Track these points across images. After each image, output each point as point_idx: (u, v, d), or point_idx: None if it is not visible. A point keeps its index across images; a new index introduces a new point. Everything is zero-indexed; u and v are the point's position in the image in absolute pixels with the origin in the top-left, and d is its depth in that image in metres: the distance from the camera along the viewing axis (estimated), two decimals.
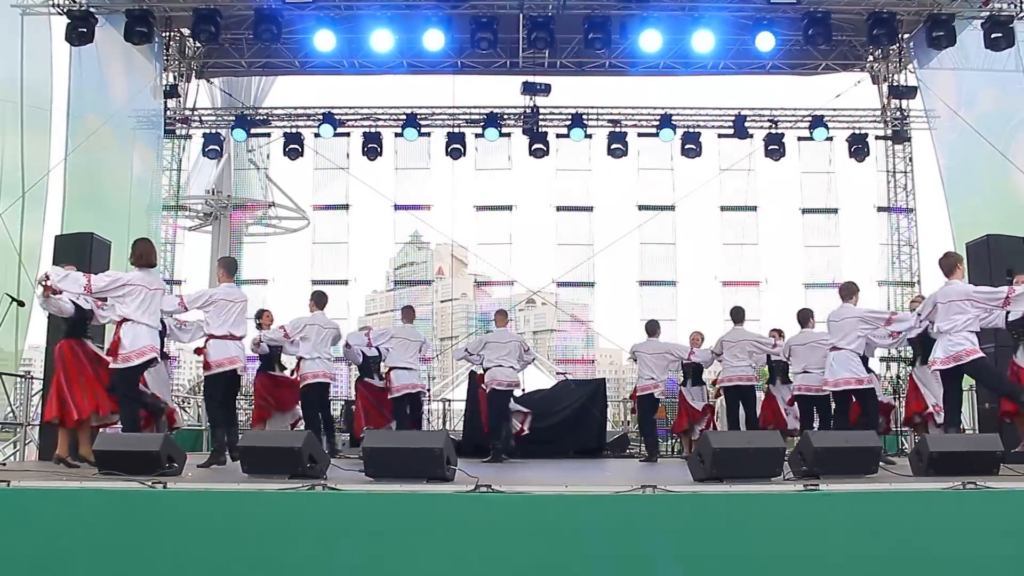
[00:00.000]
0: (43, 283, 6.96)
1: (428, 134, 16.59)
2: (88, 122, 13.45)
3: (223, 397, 7.76)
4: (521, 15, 13.67)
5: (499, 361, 9.75)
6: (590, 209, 17.11)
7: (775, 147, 16.28)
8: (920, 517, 4.79)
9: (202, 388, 8.39)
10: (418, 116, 16.30)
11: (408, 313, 10.30)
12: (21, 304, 8.72)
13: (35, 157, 12.54)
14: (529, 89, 15.70)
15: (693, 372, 11.00)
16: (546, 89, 15.74)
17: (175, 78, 16.02)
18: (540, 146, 16.31)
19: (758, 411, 10.41)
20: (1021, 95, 13.59)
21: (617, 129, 16.45)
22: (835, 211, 16.64)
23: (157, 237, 15.45)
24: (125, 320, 6.82)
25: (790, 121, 16.51)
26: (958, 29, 13.14)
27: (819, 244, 16.54)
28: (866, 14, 13.32)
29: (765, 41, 13.34)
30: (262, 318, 9.95)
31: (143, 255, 7.06)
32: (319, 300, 9.27)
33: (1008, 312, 7.36)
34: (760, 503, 4.87)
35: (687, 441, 11.49)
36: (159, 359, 7.20)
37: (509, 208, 17.08)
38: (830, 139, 16.36)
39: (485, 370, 9.96)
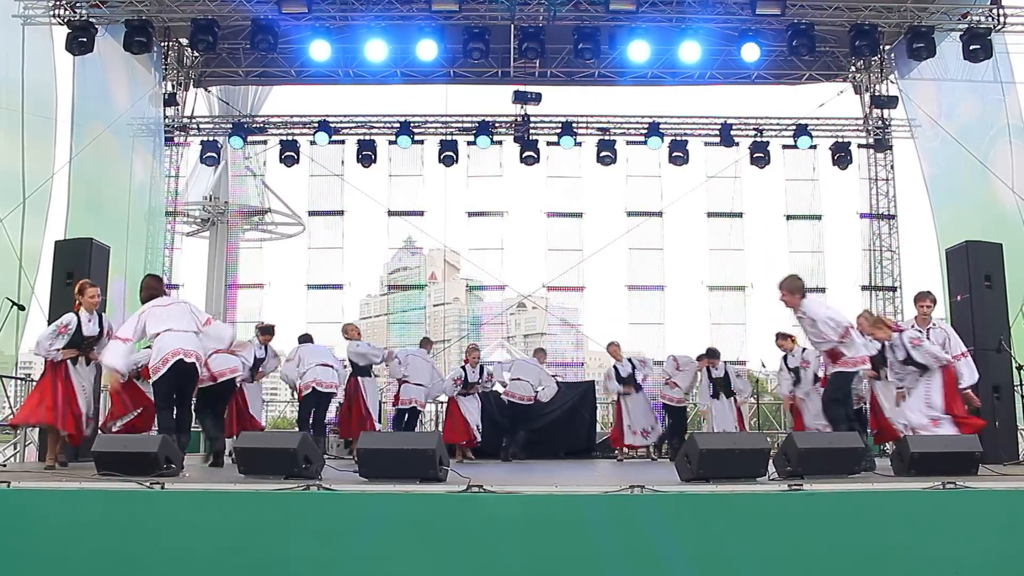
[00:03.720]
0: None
1: (421, 142, 16.61)
2: (91, 129, 13.48)
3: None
4: (512, 26, 13.76)
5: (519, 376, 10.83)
6: (580, 215, 17.18)
7: (760, 155, 16.39)
8: (901, 516, 4.90)
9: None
10: (411, 124, 16.34)
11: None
12: (21, 308, 8.91)
13: (37, 163, 12.45)
14: (520, 98, 15.86)
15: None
16: (537, 98, 15.90)
17: (174, 87, 16.08)
18: (531, 154, 16.39)
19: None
20: (1000, 105, 13.72)
21: (606, 137, 16.56)
22: (819, 217, 16.73)
23: (156, 243, 15.65)
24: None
25: (775, 130, 16.66)
26: (938, 41, 13.24)
27: (803, 250, 16.61)
28: (848, 26, 13.48)
29: (750, 52, 13.45)
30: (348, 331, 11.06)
31: (150, 289, 7.33)
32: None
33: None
34: (746, 503, 4.96)
35: None
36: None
37: (500, 214, 17.17)
38: (814, 147, 16.48)
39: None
